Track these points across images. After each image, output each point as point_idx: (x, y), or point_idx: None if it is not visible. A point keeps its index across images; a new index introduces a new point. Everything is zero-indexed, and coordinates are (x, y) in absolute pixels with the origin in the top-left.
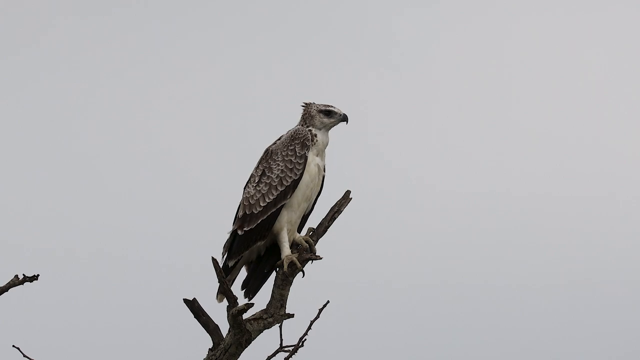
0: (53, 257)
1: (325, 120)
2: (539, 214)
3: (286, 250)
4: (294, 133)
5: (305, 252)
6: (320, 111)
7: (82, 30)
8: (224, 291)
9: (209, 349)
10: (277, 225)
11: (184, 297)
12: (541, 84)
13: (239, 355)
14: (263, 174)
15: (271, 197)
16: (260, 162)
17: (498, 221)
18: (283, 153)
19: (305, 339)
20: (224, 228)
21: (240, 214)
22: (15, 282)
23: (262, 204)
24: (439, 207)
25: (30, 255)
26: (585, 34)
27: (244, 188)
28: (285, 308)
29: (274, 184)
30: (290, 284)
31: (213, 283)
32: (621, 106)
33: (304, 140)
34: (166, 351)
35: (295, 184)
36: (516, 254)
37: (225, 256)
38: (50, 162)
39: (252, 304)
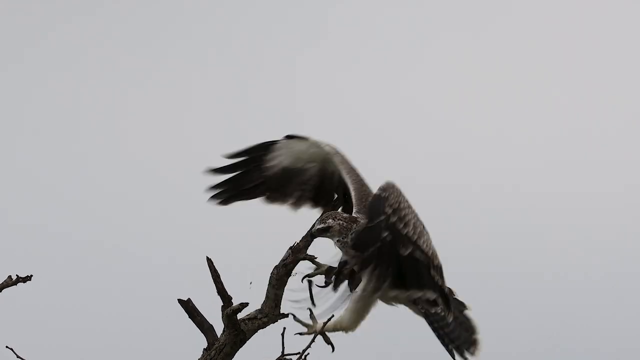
0: (46, 256)
1: None
2: (538, 214)
3: None
4: None
5: (300, 252)
6: None
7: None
8: (219, 291)
9: (204, 348)
10: None
11: (179, 298)
12: (539, 83)
13: (234, 355)
14: None
15: None
16: None
17: (498, 220)
18: None
19: (308, 354)
20: (217, 227)
21: None
22: (9, 282)
23: None
24: (438, 202)
25: (23, 255)
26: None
27: None
28: (279, 308)
29: None
30: (285, 284)
31: (209, 283)
32: (621, 105)
33: None
34: (161, 351)
35: None
36: (516, 253)
37: None
38: (47, 161)
39: (247, 304)
